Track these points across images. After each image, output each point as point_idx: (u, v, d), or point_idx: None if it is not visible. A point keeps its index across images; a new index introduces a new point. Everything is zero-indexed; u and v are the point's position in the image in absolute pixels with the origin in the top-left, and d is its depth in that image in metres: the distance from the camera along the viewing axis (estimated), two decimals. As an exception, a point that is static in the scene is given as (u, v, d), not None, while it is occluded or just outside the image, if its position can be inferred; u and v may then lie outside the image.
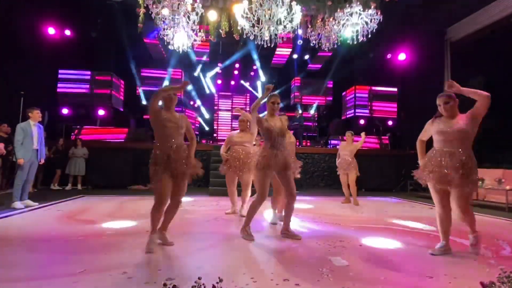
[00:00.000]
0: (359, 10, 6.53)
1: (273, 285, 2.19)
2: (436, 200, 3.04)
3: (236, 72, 15.40)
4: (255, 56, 13.56)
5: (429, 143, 3.21)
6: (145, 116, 13.08)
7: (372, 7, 6.57)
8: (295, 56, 13.43)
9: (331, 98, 13.97)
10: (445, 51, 10.47)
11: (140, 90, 12.79)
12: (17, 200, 5.23)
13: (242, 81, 15.75)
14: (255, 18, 6.11)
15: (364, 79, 12.50)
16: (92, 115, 11.14)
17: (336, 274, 2.42)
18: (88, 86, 11.07)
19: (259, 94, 15.24)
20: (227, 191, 5.16)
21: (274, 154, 3.45)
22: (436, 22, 9.96)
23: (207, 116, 15.38)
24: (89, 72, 11.09)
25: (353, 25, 6.65)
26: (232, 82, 15.95)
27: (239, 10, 6.15)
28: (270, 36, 6.33)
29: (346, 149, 6.51)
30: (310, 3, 7.37)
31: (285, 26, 6.23)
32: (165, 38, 6.99)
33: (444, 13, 9.45)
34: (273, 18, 6.03)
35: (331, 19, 7.02)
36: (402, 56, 11.65)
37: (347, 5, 6.62)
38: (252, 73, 15.60)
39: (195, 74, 14.57)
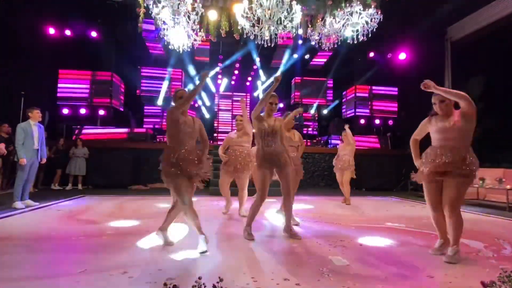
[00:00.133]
0: (359, 9, 6.52)
1: (273, 284, 2.19)
2: (429, 201, 3.00)
3: (236, 72, 15.39)
4: (255, 56, 13.55)
5: (423, 144, 3.15)
6: (145, 115, 13.13)
7: (372, 6, 6.57)
8: (295, 55, 13.43)
9: (331, 98, 13.97)
10: (445, 51, 10.47)
11: (140, 90, 12.79)
12: (17, 200, 5.24)
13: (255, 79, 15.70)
14: (255, 18, 6.10)
15: (364, 78, 12.49)
16: (93, 115, 11.14)
17: (337, 274, 2.42)
18: (88, 86, 11.07)
19: (260, 94, 15.23)
20: (233, 191, 5.17)
21: (266, 153, 3.47)
22: (436, 22, 9.95)
23: (207, 116, 15.39)
24: (89, 72, 11.09)
25: (353, 24, 6.64)
26: (232, 82, 15.95)
27: (239, 10, 6.14)
28: (270, 35, 6.32)
29: (346, 148, 6.50)
30: (310, 2, 7.35)
31: (285, 26, 6.23)
32: (165, 38, 6.98)
33: (445, 12, 9.44)
34: (273, 17, 6.02)
35: (331, 19, 7.01)
36: (402, 56, 11.65)
37: (347, 5, 6.61)
38: (252, 73, 15.59)
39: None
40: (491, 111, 9.11)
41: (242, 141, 4.86)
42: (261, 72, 14.89)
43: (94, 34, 10.72)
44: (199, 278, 1.81)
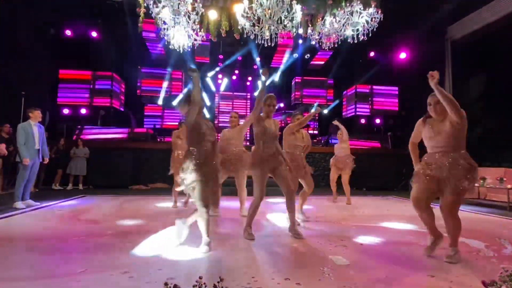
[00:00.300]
0: (360, 9, 6.52)
1: (274, 284, 2.19)
2: (413, 198, 2.89)
3: (236, 71, 15.38)
4: (255, 56, 13.55)
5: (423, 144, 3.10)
6: (146, 114, 13.12)
7: (373, 6, 6.56)
8: (295, 55, 13.42)
9: (331, 98, 13.97)
10: (445, 50, 10.45)
11: (140, 90, 12.80)
12: (18, 200, 5.25)
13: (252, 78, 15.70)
14: (256, 18, 6.10)
15: (364, 78, 12.48)
16: (93, 115, 11.16)
17: (337, 273, 2.42)
18: (88, 86, 11.08)
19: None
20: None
21: (266, 154, 3.48)
22: (436, 21, 9.94)
23: (208, 116, 15.39)
24: (89, 72, 11.10)
25: (354, 24, 6.64)
26: (234, 77, 15.91)
27: (239, 10, 6.14)
28: (271, 35, 6.32)
29: (343, 147, 6.47)
30: (310, 2, 7.35)
31: (285, 26, 6.22)
32: (165, 38, 6.98)
33: (445, 12, 9.43)
34: (273, 17, 6.02)
35: (331, 18, 7.00)
36: (402, 55, 11.63)
37: (348, 4, 6.61)
38: (252, 73, 15.58)
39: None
40: (492, 111, 9.10)
41: (235, 138, 4.81)
42: (261, 71, 14.87)
43: (94, 34, 10.73)
44: (200, 277, 1.81)
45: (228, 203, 5.86)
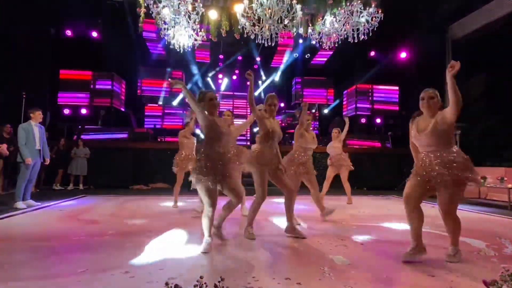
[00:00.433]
0: (360, 8, 6.51)
1: (274, 284, 2.19)
2: (405, 194, 2.86)
3: (237, 71, 15.37)
4: (255, 55, 13.54)
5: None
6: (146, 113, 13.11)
7: (373, 5, 6.56)
8: (295, 54, 13.42)
9: (331, 98, 13.96)
10: (446, 49, 10.44)
11: (140, 90, 12.81)
12: (19, 200, 5.25)
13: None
14: (256, 17, 6.10)
15: (365, 77, 12.47)
16: (94, 115, 11.16)
17: (338, 273, 2.42)
18: (89, 86, 11.09)
19: (261, 94, 15.21)
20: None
21: (268, 153, 3.48)
22: (437, 20, 9.93)
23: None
24: (90, 72, 11.10)
25: (354, 23, 6.63)
26: (234, 77, 15.90)
27: (239, 9, 6.14)
28: (271, 35, 6.32)
29: (335, 146, 6.41)
30: (310, 1, 7.34)
31: (285, 25, 6.22)
32: (166, 38, 6.99)
33: (446, 11, 9.41)
34: (273, 16, 6.02)
35: (331, 18, 7.00)
36: (403, 55, 11.62)
37: (348, 4, 6.61)
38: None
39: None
40: (493, 110, 9.09)
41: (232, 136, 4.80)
42: (261, 71, 14.87)
43: (94, 34, 10.73)
44: (201, 277, 1.81)
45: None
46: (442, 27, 10.20)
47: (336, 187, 6.73)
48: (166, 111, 13.02)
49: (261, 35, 6.36)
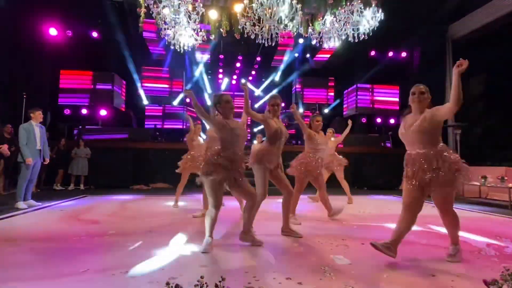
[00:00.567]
0: (360, 7, 6.51)
1: (275, 283, 2.19)
2: (404, 200, 2.80)
3: (237, 71, 15.38)
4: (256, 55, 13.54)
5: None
6: (147, 113, 13.12)
7: (373, 4, 6.56)
8: (296, 54, 13.41)
9: (332, 97, 13.96)
10: (446, 49, 10.43)
11: (141, 90, 12.82)
12: (20, 200, 5.26)
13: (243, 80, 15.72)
14: (256, 17, 6.10)
15: (365, 77, 12.47)
16: (94, 115, 11.17)
17: (339, 273, 2.42)
18: (90, 86, 11.10)
19: (261, 93, 15.21)
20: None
21: (274, 153, 3.47)
22: (437, 20, 9.92)
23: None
24: (90, 72, 11.11)
25: (354, 23, 6.63)
26: (234, 82, 15.93)
27: (239, 9, 6.15)
28: (271, 34, 6.32)
29: (332, 146, 6.36)
30: (311, 1, 7.34)
31: (286, 25, 6.22)
32: (166, 38, 6.99)
33: (446, 10, 9.41)
34: (273, 16, 6.02)
35: (332, 17, 7.00)
36: (403, 54, 11.61)
37: (348, 3, 6.60)
38: (253, 72, 15.58)
39: (195, 74, 14.55)
40: (493, 110, 9.08)
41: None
42: (262, 71, 14.88)
43: (95, 34, 10.74)
44: (201, 277, 1.81)
45: (227, 203, 5.86)
46: (442, 27, 10.19)
47: (337, 186, 6.72)
48: (166, 111, 13.02)
49: (261, 35, 6.36)
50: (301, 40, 11.39)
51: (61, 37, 10.29)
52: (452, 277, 2.36)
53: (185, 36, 6.99)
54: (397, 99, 12.34)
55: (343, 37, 7.10)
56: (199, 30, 7.03)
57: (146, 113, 13.03)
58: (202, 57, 12.86)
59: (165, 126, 12.68)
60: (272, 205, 5.71)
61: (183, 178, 5.57)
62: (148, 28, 9.29)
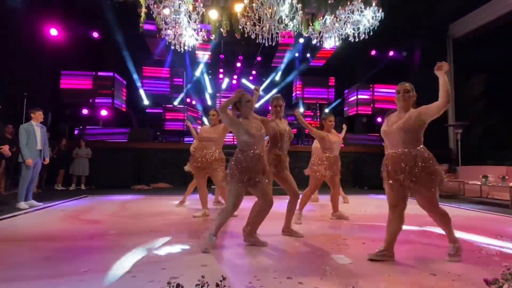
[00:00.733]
0: (361, 7, 6.50)
1: (276, 283, 2.19)
2: (388, 201, 2.77)
3: (237, 71, 15.38)
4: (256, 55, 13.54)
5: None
6: (148, 112, 13.12)
7: (374, 4, 6.55)
8: (296, 54, 13.41)
9: (332, 97, 13.96)
10: (447, 48, 10.41)
11: (141, 90, 12.83)
12: (21, 201, 5.27)
13: (243, 80, 15.74)
14: (256, 17, 6.10)
15: (366, 77, 12.46)
16: (95, 115, 11.18)
17: (340, 272, 2.42)
18: (90, 86, 11.11)
19: (262, 93, 15.21)
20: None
21: (277, 155, 3.44)
22: (438, 19, 9.90)
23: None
24: (91, 72, 11.12)
25: (355, 22, 6.62)
26: (234, 81, 15.94)
27: (240, 9, 6.15)
28: (272, 34, 6.32)
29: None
30: (311, 1, 7.33)
31: (286, 25, 6.22)
32: (166, 38, 6.99)
33: (447, 9, 9.39)
34: (274, 16, 6.02)
35: (332, 17, 6.99)
36: (403, 54, 11.60)
37: (348, 3, 6.60)
38: (253, 72, 15.59)
39: (197, 74, 14.57)
40: (494, 109, 9.07)
41: (212, 137, 4.70)
42: (262, 71, 14.89)
43: (95, 34, 10.75)
44: (202, 276, 1.82)
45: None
46: (443, 26, 10.18)
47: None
48: (167, 111, 13.03)
49: (261, 34, 6.36)
50: (301, 40, 11.39)
51: (62, 37, 10.30)
52: (453, 276, 2.36)
53: (185, 36, 6.98)
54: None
55: (344, 37, 7.10)
56: (199, 29, 7.03)
57: (147, 113, 13.02)
58: (203, 56, 12.84)
59: (166, 127, 12.69)
60: (273, 205, 5.71)
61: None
62: (149, 28, 9.29)
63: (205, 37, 7.31)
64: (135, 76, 12.62)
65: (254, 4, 5.97)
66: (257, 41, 6.65)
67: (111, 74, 11.19)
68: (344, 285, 2.17)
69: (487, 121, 9.14)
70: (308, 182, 4.69)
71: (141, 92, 12.86)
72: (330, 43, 7.45)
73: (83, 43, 10.73)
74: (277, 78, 14.77)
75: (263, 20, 6.11)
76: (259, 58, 13.87)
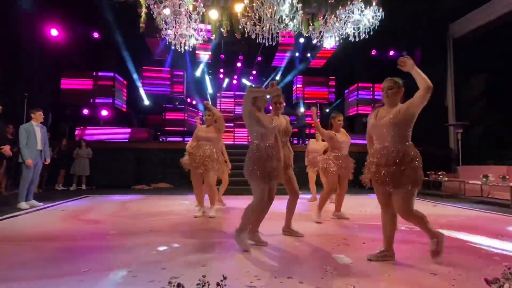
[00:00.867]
0: (361, 7, 6.50)
1: (277, 283, 2.19)
2: (378, 200, 2.79)
3: (238, 71, 15.39)
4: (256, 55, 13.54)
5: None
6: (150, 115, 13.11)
7: (374, 3, 6.55)
8: (296, 53, 13.41)
9: (333, 97, 13.95)
10: (447, 48, 10.41)
11: (141, 90, 12.82)
12: (22, 201, 5.28)
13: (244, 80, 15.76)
14: (257, 17, 6.10)
15: (366, 76, 12.46)
16: (96, 115, 11.19)
17: (340, 272, 2.42)
18: (91, 86, 11.11)
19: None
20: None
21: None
22: (438, 18, 9.89)
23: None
24: (91, 73, 11.12)
25: (355, 22, 6.63)
26: (234, 81, 15.95)
27: (240, 9, 6.15)
28: (272, 34, 6.32)
29: (316, 148, 6.32)
30: (311, 1, 7.33)
31: (286, 25, 6.22)
32: (167, 38, 7.00)
33: (447, 9, 9.39)
34: (274, 16, 6.02)
35: (332, 17, 6.99)
36: (404, 53, 11.57)
37: (349, 2, 6.60)
38: (254, 72, 15.59)
39: (197, 73, 14.57)
40: (494, 109, 9.06)
41: (209, 136, 4.71)
42: (262, 71, 14.89)
43: (96, 34, 10.75)
44: (203, 276, 1.82)
45: (228, 202, 5.87)
46: (443, 26, 10.17)
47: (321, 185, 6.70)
48: (167, 111, 13.02)
49: (261, 34, 6.36)
50: (301, 40, 11.39)
51: (62, 37, 10.30)
52: (453, 276, 2.36)
53: (185, 36, 6.99)
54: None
55: (344, 36, 7.10)
56: (199, 30, 7.04)
57: (147, 113, 13.01)
58: (204, 56, 12.83)
59: (166, 127, 12.68)
60: (273, 205, 5.71)
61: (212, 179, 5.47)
62: (149, 28, 9.28)
63: (205, 37, 7.31)
64: (135, 76, 12.61)
65: (254, 4, 5.98)
66: (257, 41, 6.65)
67: (111, 74, 11.19)
68: (344, 285, 2.17)
69: (487, 121, 9.13)
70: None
71: (141, 92, 12.86)
72: (330, 42, 7.45)
73: (83, 43, 10.73)
74: (277, 77, 14.77)
75: (263, 20, 6.12)
76: (259, 58, 13.86)
